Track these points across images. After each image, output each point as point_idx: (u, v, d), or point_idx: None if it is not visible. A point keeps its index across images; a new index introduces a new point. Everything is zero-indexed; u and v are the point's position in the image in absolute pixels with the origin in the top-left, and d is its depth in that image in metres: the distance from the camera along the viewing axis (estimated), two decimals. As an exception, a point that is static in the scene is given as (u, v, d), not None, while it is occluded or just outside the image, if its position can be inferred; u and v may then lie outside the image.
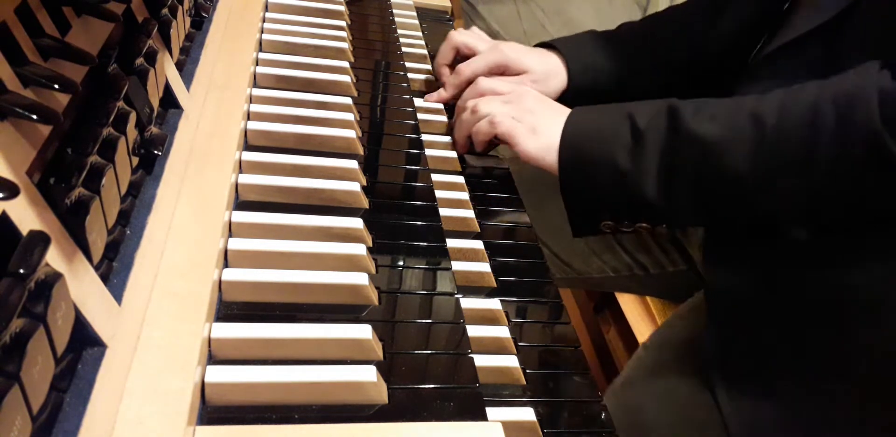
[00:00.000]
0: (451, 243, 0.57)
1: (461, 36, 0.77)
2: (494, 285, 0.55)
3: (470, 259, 0.57)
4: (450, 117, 0.74)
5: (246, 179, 0.55)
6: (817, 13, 0.59)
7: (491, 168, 0.71)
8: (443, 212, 0.60)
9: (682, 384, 0.69)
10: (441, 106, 0.77)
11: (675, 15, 0.80)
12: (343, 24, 0.84)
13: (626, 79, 0.77)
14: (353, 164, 0.60)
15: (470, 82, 0.73)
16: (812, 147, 0.50)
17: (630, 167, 0.57)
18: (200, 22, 0.63)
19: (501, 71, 0.75)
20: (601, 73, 0.77)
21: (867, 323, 0.59)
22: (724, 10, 0.75)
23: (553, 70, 0.75)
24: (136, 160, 0.42)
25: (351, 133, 0.64)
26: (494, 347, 0.50)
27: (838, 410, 0.60)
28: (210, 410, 0.39)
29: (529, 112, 0.64)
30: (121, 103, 0.40)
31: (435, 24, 1.00)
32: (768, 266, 0.64)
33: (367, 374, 0.42)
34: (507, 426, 0.41)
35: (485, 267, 0.56)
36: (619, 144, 0.57)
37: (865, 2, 0.56)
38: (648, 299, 1.09)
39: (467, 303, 0.52)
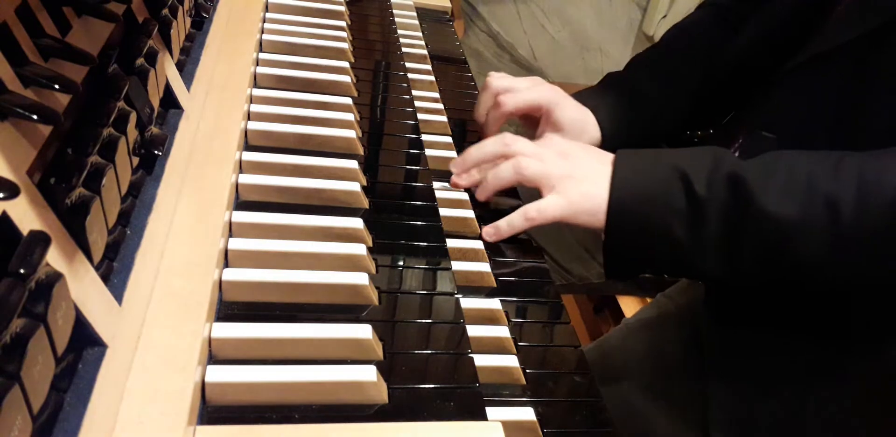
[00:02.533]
0: (451, 243, 0.57)
1: (498, 80, 0.71)
2: (494, 285, 0.55)
3: (470, 259, 0.57)
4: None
5: (246, 179, 0.55)
6: (849, 28, 0.58)
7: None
8: (443, 212, 0.60)
9: (668, 351, 0.69)
10: (441, 106, 0.77)
11: (684, 34, 0.78)
12: (343, 24, 0.84)
13: (657, 119, 0.75)
14: (353, 164, 0.60)
15: (506, 118, 0.70)
16: (886, 244, 0.49)
17: (687, 240, 0.53)
18: (201, 22, 0.63)
19: (538, 116, 0.71)
20: (631, 124, 0.73)
21: (865, 324, 0.59)
22: (744, 24, 0.73)
23: (587, 126, 0.71)
24: (136, 160, 0.42)
25: (351, 133, 0.64)
26: (494, 347, 0.50)
27: (829, 411, 0.61)
28: (210, 410, 0.39)
29: (570, 175, 0.57)
30: (121, 104, 0.40)
31: (435, 24, 1.00)
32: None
33: (368, 374, 0.42)
34: (507, 425, 0.41)
35: (485, 267, 0.56)
36: (673, 213, 0.53)
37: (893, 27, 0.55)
38: (648, 299, 1.09)
39: (467, 303, 0.52)
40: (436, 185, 0.64)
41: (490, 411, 0.44)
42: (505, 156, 0.60)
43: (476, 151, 0.62)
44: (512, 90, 0.70)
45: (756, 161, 0.54)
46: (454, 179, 0.64)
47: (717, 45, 0.75)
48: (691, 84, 0.75)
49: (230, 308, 0.45)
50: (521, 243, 0.61)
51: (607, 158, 0.58)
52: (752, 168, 0.53)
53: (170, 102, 0.52)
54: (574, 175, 0.57)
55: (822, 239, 0.50)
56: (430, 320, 0.49)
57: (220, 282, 0.46)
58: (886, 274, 0.51)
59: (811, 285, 0.55)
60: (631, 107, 0.73)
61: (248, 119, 0.62)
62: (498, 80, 0.71)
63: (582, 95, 0.74)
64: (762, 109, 0.67)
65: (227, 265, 0.48)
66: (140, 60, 0.45)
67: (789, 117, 0.63)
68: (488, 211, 0.63)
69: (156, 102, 0.47)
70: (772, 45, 0.69)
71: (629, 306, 1.15)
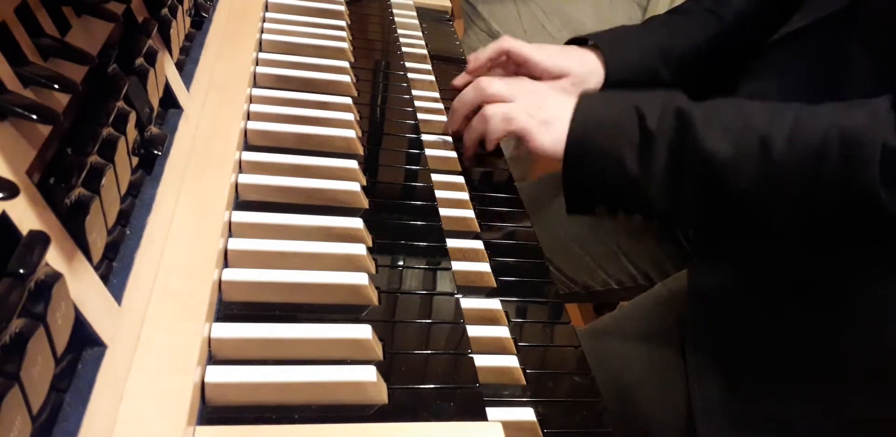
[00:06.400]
0: (451, 243, 0.57)
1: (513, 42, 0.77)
2: (494, 285, 0.55)
3: (470, 259, 0.57)
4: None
5: (246, 179, 0.55)
6: (827, 3, 0.59)
7: (492, 169, 0.71)
8: (443, 212, 0.60)
9: (657, 339, 0.71)
10: (441, 106, 0.77)
11: (700, 2, 0.81)
12: (343, 23, 0.84)
13: (658, 70, 0.78)
14: (353, 164, 0.60)
15: (499, 52, 0.75)
16: (812, 184, 0.51)
17: (636, 169, 0.57)
18: (200, 22, 0.63)
19: (539, 74, 0.74)
20: (636, 67, 0.77)
21: (856, 320, 0.59)
22: None
23: (592, 70, 0.75)
24: (135, 160, 0.42)
25: (351, 133, 0.64)
26: (494, 347, 0.49)
27: (818, 408, 0.61)
28: (210, 410, 0.39)
29: (536, 107, 0.62)
30: (121, 103, 0.40)
31: (435, 24, 1.00)
32: (756, 264, 0.64)
33: (367, 374, 0.42)
34: (507, 426, 0.41)
35: (485, 267, 0.56)
36: (627, 142, 0.57)
37: None
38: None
39: (467, 303, 0.52)
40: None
41: (490, 411, 0.43)
42: (482, 101, 0.65)
43: (457, 103, 0.68)
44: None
45: (707, 102, 0.57)
46: (448, 128, 0.70)
47: (719, 12, 0.77)
48: (692, 41, 0.78)
49: (230, 308, 0.45)
50: (521, 240, 0.61)
51: (574, 95, 0.62)
52: (701, 107, 0.56)
53: (169, 101, 0.52)
54: (541, 107, 0.62)
55: (752, 175, 0.53)
56: (430, 321, 0.49)
57: (220, 282, 0.46)
58: (808, 214, 0.53)
59: (745, 223, 0.57)
60: (638, 49, 0.77)
61: (248, 119, 0.62)
62: (511, 42, 0.76)
63: (591, 34, 0.78)
64: (752, 79, 0.68)
65: (226, 265, 0.47)
66: (139, 60, 0.45)
67: (777, 87, 0.64)
68: (485, 209, 0.63)
69: (155, 102, 0.47)
70: (763, 16, 0.71)
71: (629, 306, 1.15)
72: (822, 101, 0.56)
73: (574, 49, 0.78)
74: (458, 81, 0.79)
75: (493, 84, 0.65)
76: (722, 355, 0.64)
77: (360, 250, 0.52)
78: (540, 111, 0.62)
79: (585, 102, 0.61)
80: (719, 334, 0.65)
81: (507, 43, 0.75)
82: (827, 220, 0.53)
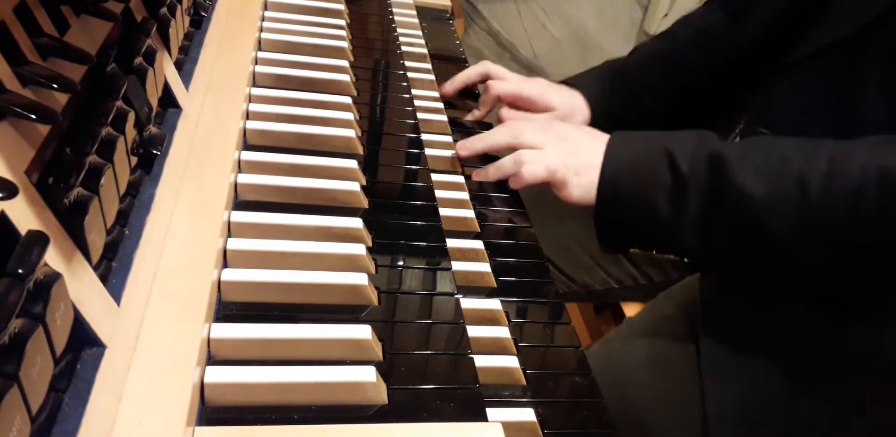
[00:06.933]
0: (451, 243, 0.57)
1: (495, 66, 0.78)
2: (494, 285, 0.55)
3: (470, 259, 0.57)
4: (457, 133, 0.73)
5: (245, 178, 0.55)
6: (840, 26, 0.59)
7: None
8: (443, 212, 0.60)
9: (669, 350, 0.71)
10: (441, 105, 0.76)
11: (690, 26, 0.81)
12: (343, 23, 0.84)
13: (646, 109, 0.78)
14: (352, 163, 0.60)
15: (494, 101, 0.75)
16: (851, 224, 0.51)
17: (669, 215, 0.56)
18: (199, 21, 0.63)
19: (527, 106, 0.75)
20: (623, 108, 0.77)
21: (863, 323, 0.59)
22: (744, 17, 0.75)
23: (577, 107, 0.76)
24: (134, 160, 0.42)
25: (350, 132, 0.64)
26: (494, 347, 0.49)
27: (828, 410, 0.61)
28: (209, 410, 0.39)
29: (568, 154, 0.61)
30: (119, 103, 0.40)
31: (435, 23, 0.99)
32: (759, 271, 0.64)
33: (367, 374, 0.42)
34: (507, 426, 0.41)
35: (485, 267, 0.56)
36: (658, 188, 0.57)
37: (890, 18, 0.55)
38: (652, 302, 1.09)
39: (467, 303, 0.52)
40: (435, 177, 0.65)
41: (490, 411, 0.43)
42: (512, 148, 0.65)
43: (488, 139, 0.66)
44: (503, 78, 0.76)
45: (739, 142, 0.57)
46: (460, 152, 0.68)
47: (719, 38, 0.77)
48: (687, 71, 0.78)
49: (229, 309, 0.45)
50: (521, 240, 0.61)
51: (604, 137, 0.62)
52: (733, 148, 0.56)
53: (168, 101, 0.52)
54: (572, 155, 0.61)
55: (789, 217, 0.52)
56: (430, 321, 0.49)
57: (219, 282, 0.46)
58: (845, 255, 0.53)
59: (781, 263, 0.57)
60: (619, 86, 0.77)
61: (247, 118, 0.62)
62: (492, 65, 0.78)
63: (576, 76, 0.79)
64: (759, 105, 0.67)
65: (225, 265, 0.47)
66: (138, 59, 0.45)
67: (786, 114, 0.64)
68: (485, 209, 0.63)
69: (154, 102, 0.47)
70: (770, 41, 0.70)
71: (630, 305, 1.15)
72: (835, 128, 0.56)
73: (559, 86, 0.78)
74: (448, 88, 0.79)
75: (528, 132, 0.64)
76: (736, 359, 0.64)
77: (359, 250, 0.52)
78: (571, 159, 0.61)
79: (614, 149, 0.60)
80: (735, 337, 0.65)
81: (495, 90, 0.75)
82: (864, 259, 0.53)
